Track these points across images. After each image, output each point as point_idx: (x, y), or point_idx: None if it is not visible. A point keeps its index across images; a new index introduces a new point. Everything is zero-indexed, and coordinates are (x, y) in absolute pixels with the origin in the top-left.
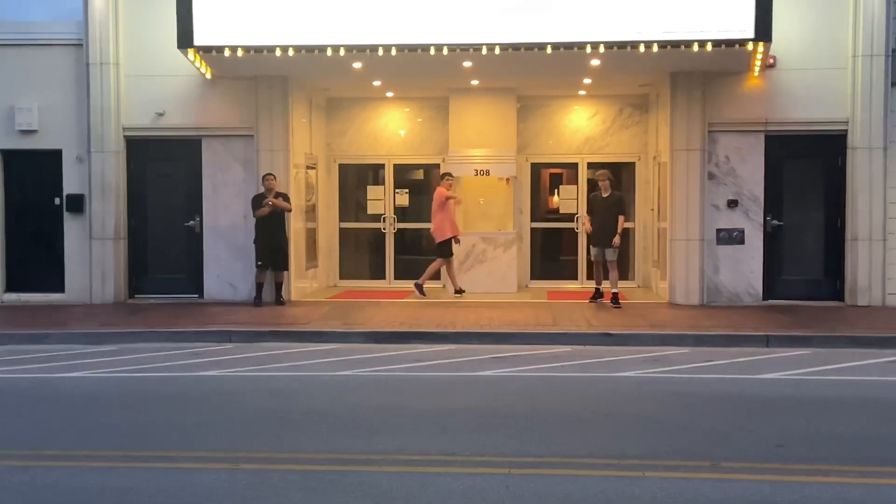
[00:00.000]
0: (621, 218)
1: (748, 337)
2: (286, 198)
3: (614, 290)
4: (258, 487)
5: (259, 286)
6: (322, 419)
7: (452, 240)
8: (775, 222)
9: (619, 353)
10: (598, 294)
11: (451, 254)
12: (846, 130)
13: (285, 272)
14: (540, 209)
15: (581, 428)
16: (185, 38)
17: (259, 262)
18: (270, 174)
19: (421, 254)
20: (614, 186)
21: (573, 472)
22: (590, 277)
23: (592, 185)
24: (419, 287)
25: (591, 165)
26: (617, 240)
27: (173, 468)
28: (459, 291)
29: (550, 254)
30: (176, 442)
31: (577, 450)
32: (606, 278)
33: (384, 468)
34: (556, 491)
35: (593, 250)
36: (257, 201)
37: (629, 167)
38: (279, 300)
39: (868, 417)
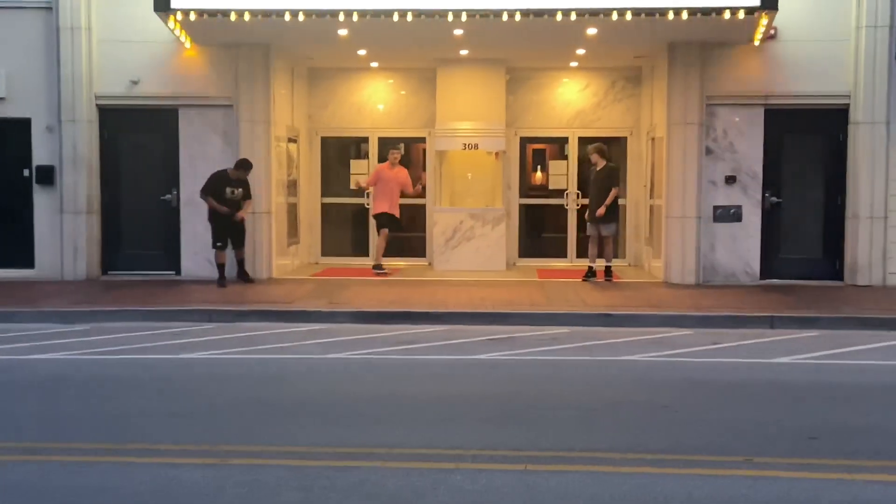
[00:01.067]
0: (614, 190)
1: (752, 318)
2: (248, 187)
3: (608, 264)
4: (250, 486)
5: (221, 266)
6: (316, 408)
7: (387, 214)
8: (774, 199)
9: (620, 334)
10: (590, 272)
11: (386, 227)
12: (848, 104)
13: (248, 249)
14: (528, 185)
15: (595, 418)
16: (161, 0)
17: (218, 244)
18: (246, 162)
19: (405, 230)
20: (608, 158)
21: (594, 468)
22: (580, 255)
23: (585, 160)
24: (377, 267)
25: (581, 140)
26: (602, 210)
27: (155, 463)
28: (377, 267)
29: (539, 231)
30: (157, 433)
31: (595, 443)
32: (601, 255)
33: (388, 464)
34: (580, 492)
35: (589, 225)
36: (214, 183)
37: (621, 142)
38: (244, 278)
39: None
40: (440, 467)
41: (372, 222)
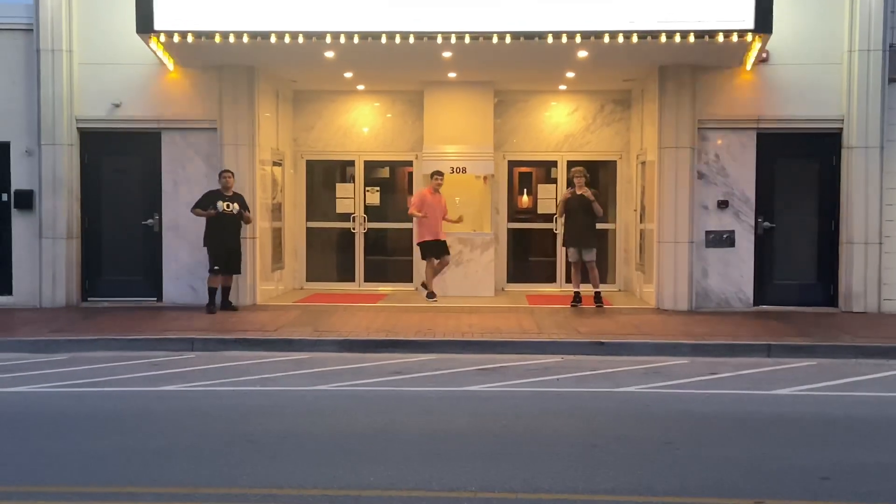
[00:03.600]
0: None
1: (748, 346)
2: (244, 201)
3: (596, 290)
4: None
5: (212, 291)
6: (302, 445)
7: (433, 242)
8: (767, 224)
9: (614, 363)
10: (577, 298)
11: (432, 255)
12: (841, 129)
13: (235, 276)
14: (516, 209)
15: (595, 456)
16: (144, 22)
17: (215, 267)
18: (228, 171)
19: (392, 255)
20: (589, 184)
21: None
22: (570, 280)
23: (573, 185)
24: (429, 295)
25: (570, 163)
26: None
27: None
28: (430, 295)
29: (528, 256)
30: (135, 473)
31: (597, 483)
32: (585, 281)
33: None
34: None
35: (571, 251)
36: (209, 199)
37: (610, 166)
38: (229, 305)
39: None
40: None
41: (359, 244)
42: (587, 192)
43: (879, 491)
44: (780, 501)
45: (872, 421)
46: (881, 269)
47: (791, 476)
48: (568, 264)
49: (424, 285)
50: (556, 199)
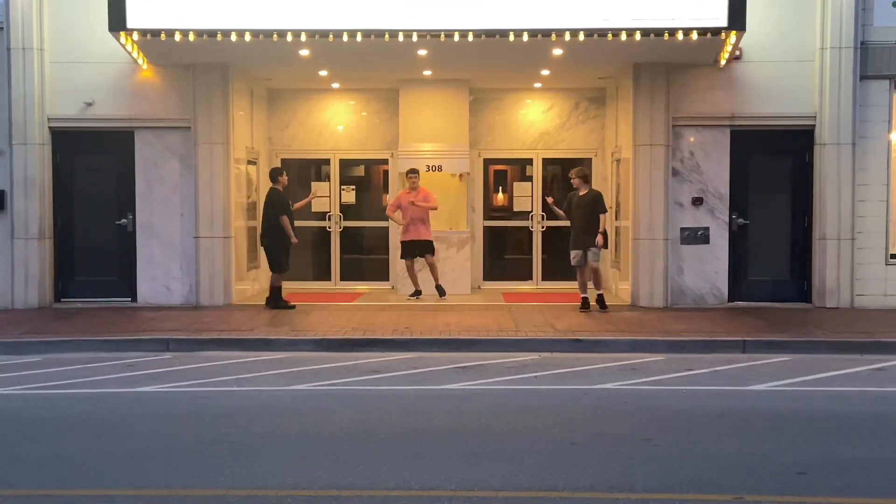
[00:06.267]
0: (603, 217)
1: (724, 343)
2: None
3: (599, 292)
4: None
5: (279, 290)
6: (280, 445)
7: (410, 241)
8: (741, 221)
9: (591, 360)
10: (586, 303)
11: (408, 256)
12: (814, 126)
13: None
14: (492, 207)
15: (574, 453)
16: (116, 20)
17: (288, 267)
18: (284, 170)
19: (368, 253)
20: (590, 183)
21: None
22: (545, 278)
23: (551, 181)
24: (413, 294)
25: (546, 161)
26: (599, 239)
27: None
28: (415, 294)
29: (504, 253)
30: (111, 476)
31: (577, 481)
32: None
33: None
34: None
35: (573, 253)
36: (286, 201)
37: (585, 163)
38: (287, 304)
39: (885, 436)
40: None
41: (335, 243)
42: (594, 192)
43: (855, 485)
44: (758, 496)
45: (847, 415)
46: (854, 264)
47: (768, 471)
48: (544, 262)
49: (438, 288)
50: (533, 197)
